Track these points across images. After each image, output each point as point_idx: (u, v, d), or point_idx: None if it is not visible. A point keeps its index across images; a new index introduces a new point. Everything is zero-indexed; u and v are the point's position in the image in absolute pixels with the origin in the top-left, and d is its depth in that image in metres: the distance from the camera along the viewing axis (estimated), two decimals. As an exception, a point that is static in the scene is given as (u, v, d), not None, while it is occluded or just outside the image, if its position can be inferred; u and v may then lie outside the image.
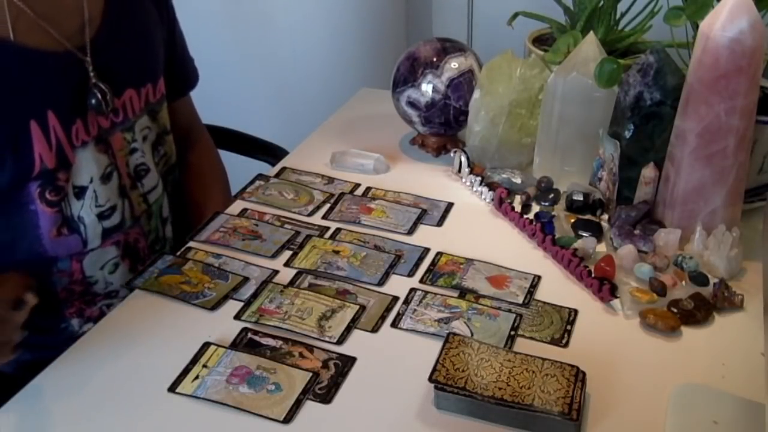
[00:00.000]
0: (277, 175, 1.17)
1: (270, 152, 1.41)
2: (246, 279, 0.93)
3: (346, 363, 0.80)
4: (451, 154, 1.17)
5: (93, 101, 0.97)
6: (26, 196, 0.94)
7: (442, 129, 1.18)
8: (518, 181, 1.11)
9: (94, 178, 0.99)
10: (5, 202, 0.94)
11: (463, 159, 1.14)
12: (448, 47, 1.16)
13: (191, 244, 1.00)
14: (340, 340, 0.83)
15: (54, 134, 0.94)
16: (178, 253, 0.98)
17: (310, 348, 0.82)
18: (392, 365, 0.80)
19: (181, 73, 1.23)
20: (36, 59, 0.93)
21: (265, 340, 0.83)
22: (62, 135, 0.94)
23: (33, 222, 0.96)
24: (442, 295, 0.90)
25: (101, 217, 1.01)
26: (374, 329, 0.85)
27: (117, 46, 1.02)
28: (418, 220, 1.05)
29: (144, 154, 1.08)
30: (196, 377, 0.78)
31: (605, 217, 1.04)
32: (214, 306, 0.88)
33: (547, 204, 1.06)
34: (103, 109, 0.98)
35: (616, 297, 0.88)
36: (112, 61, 1.00)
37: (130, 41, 1.05)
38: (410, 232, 1.03)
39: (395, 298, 0.90)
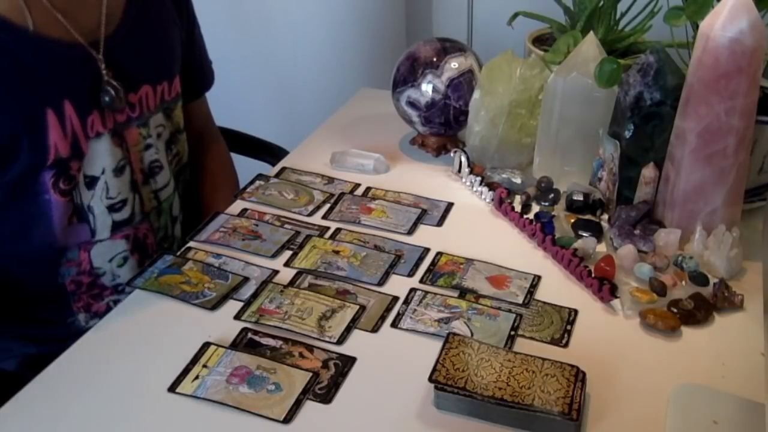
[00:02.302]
0: (277, 175, 1.17)
1: (270, 152, 1.41)
2: (246, 279, 0.93)
3: (346, 363, 0.80)
4: (451, 154, 1.17)
5: (107, 98, 0.98)
6: (41, 185, 0.95)
7: (442, 129, 1.18)
8: (518, 181, 1.11)
9: (106, 170, 1.00)
10: (20, 191, 0.95)
11: (463, 159, 1.14)
12: (448, 47, 1.16)
13: (191, 244, 1.00)
14: (340, 340, 0.83)
15: (70, 124, 0.95)
16: (178, 253, 0.98)
17: (310, 348, 0.82)
18: (392, 365, 0.80)
19: (198, 75, 1.23)
20: (54, 50, 0.94)
21: (265, 340, 0.83)
22: (78, 125, 0.95)
23: (46, 211, 0.97)
24: (442, 295, 0.90)
25: (111, 209, 1.02)
26: (374, 329, 0.85)
27: (134, 43, 1.03)
28: (418, 220, 1.05)
29: (158, 151, 1.08)
30: (196, 377, 0.78)
31: (605, 217, 1.04)
32: (214, 306, 0.88)
33: (547, 204, 1.06)
34: (116, 107, 0.99)
35: (616, 297, 0.88)
36: (127, 58, 1.01)
37: (147, 39, 1.06)
38: (410, 232, 1.03)
39: (395, 298, 0.90)
